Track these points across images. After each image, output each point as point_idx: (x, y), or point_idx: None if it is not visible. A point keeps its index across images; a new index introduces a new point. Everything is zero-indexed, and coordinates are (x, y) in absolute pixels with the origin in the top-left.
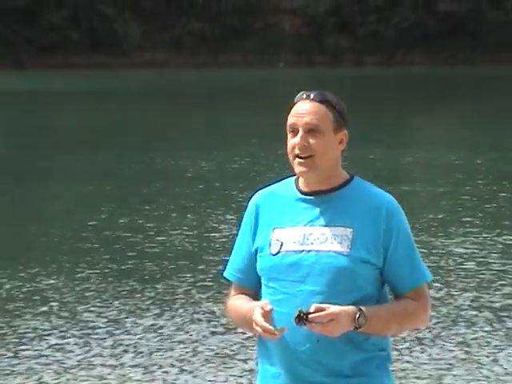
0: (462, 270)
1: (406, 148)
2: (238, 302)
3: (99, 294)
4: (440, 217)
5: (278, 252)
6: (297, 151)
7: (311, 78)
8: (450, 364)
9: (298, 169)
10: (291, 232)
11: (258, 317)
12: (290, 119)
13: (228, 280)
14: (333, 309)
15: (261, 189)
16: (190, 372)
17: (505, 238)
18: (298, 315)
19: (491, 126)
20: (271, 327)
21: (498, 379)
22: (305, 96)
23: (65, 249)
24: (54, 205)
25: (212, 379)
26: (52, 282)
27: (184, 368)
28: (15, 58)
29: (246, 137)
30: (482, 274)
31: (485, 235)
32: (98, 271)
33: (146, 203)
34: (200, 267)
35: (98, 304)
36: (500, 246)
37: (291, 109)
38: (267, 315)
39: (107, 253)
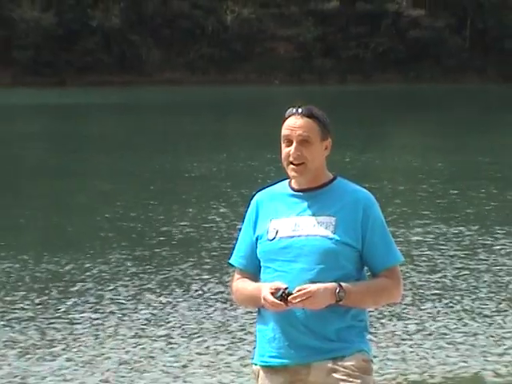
0: (419, 255)
1: (375, 152)
2: (243, 284)
3: (116, 275)
4: (401, 210)
5: (274, 238)
6: (291, 159)
7: (301, 94)
8: (409, 335)
9: (291, 173)
10: (285, 221)
11: (267, 294)
12: (285, 131)
13: (232, 266)
14: (311, 287)
15: (261, 189)
16: (198, 343)
17: (455, 228)
18: (281, 295)
19: (449, 134)
20: (279, 302)
21: (444, 347)
22: (295, 111)
23: (86, 236)
24: (80, 198)
25: (218, 348)
26: (74, 265)
27: (194, 338)
28: (58, 77)
29: (244, 142)
30: (435, 258)
31: (438, 226)
32: (115, 255)
33: (154, 199)
34: (200, 252)
35: (117, 283)
36: (451, 235)
37: (283, 122)
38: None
39: (122, 240)
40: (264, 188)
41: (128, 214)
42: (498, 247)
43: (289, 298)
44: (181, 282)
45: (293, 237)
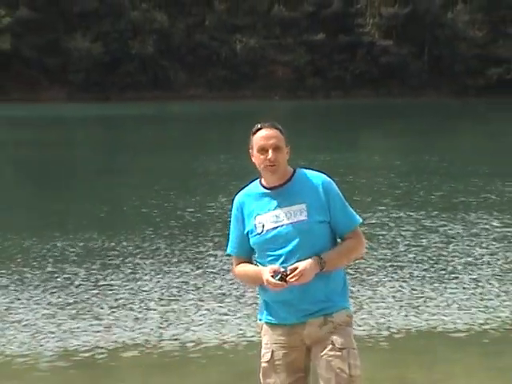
0: (382, 236)
1: (351, 152)
2: (244, 268)
3: (144, 250)
4: (366, 197)
5: (262, 231)
6: (267, 163)
7: (296, 107)
8: (370, 298)
9: (268, 174)
10: (267, 216)
11: (269, 278)
12: (260, 142)
13: (230, 255)
14: (301, 266)
15: (238, 192)
16: (208, 309)
17: (408, 212)
18: (281, 277)
19: (409, 138)
20: (280, 282)
21: (397, 306)
22: (260, 126)
23: (123, 220)
24: (119, 191)
25: (227, 313)
26: (111, 242)
27: (203, 301)
28: (104, 94)
29: (242, 148)
30: (391, 236)
31: (395, 211)
32: (143, 234)
33: (170, 190)
34: (200, 232)
35: (145, 256)
36: (404, 218)
37: (253, 135)
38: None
39: (149, 222)
40: (241, 190)
41: (153, 202)
42: (441, 228)
43: (287, 279)
44: (192, 256)
45: (277, 227)
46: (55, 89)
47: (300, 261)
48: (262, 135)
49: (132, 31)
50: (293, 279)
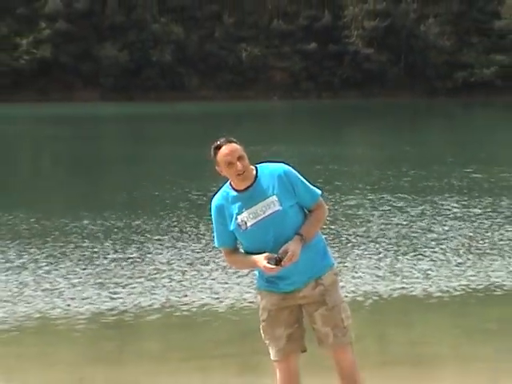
0: (359, 215)
1: (338, 145)
2: (238, 258)
3: (158, 227)
4: (345, 182)
5: (246, 228)
6: (238, 172)
7: (292, 106)
8: (352, 269)
9: (240, 181)
10: (246, 214)
11: (266, 264)
12: (226, 158)
13: (218, 248)
14: (290, 248)
15: (213, 196)
16: (214, 278)
17: (380, 195)
18: (276, 262)
19: (387, 132)
20: (276, 267)
21: (372, 272)
22: (222, 141)
23: (143, 202)
24: (142, 177)
25: (229, 281)
26: (129, 220)
27: (210, 275)
28: (129, 95)
29: (246, 140)
30: (365, 215)
31: (368, 194)
32: (159, 214)
33: (182, 176)
34: (206, 212)
35: (161, 231)
36: (377, 201)
37: (215, 155)
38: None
39: (157, 204)
40: (215, 194)
41: (167, 186)
42: (409, 209)
43: (282, 263)
44: (200, 233)
45: (258, 221)
46: (88, 90)
47: (285, 243)
48: (226, 152)
49: (153, 41)
50: (287, 262)
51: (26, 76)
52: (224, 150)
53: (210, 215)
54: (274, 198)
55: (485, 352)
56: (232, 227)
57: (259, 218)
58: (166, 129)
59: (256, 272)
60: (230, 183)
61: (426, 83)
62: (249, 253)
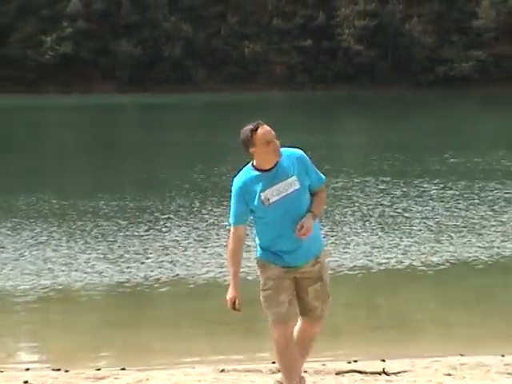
0: (344, 197)
1: (330, 133)
2: (236, 257)
3: (171, 205)
4: (337, 166)
5: (269, 204)
6: (276, 149)
7: (290, 97)
8: (343, 244)
9: (274, 159)
10: (270, 191)
11: (228, 298)
12: (265, 137)
13: (233, 225)
14: (305, 223)
15: (234, 177)
16: (217, 253)
17: (369, 178)
18: (232, 307)
19: (375, 121)
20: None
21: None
22: (257, 124)
23: (158, 183)
24: (156, 161)
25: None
26: (140, 201)
27: (211, 251)
28: (143, 87)
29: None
30: (356, 196)
31: (358, 177)
32: (171, 195)
33: (191, 160)
34: (210, 194)
35: (169, 211)
36: (367, 183)
37: (252, 136)
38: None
39: (165, 185)
40: (236, 175)
41: (176, 169)
42: (392, 190)
43: (302, 237)
44: (204, 212)
45: (280, 198)
46: (106, 83)
47: (299, 219)
48: (265, 132)
49: (164, 38)
50: (306, 235)
51: (50, 70)
52: (262, 130)
53: (230, 195)
54: (295, 177)
55: (462, 318)
56: (255, 203)
57: (282, 194)
58: (176, 117)
59: (258, 246)
60: (253, 164)
61: (410, 77)
62: (265, 228)
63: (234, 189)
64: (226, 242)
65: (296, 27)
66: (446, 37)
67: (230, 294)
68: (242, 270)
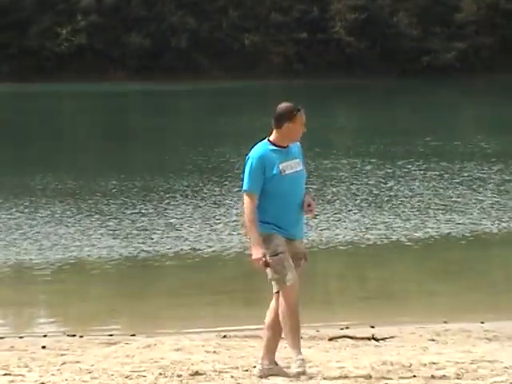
0: (332, 177)
1: (324, 118)
2: (254, 221)
3: (181, 185)
4: (325, 150)
5: (285, 173)
6: (303, 131)
7: (288, 86)
8: (334, 221)
9: (295, 140)
10: (285, 164)
11: (259, 256)
12: (303, 119)
13: (249, 192)
14: (311, 202)
15: (252, 148)
16: (218, 230)
17: (357, 160)
18: (265, 264)
19: (364, 107)
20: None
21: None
22: (299, 107)
23: (170, 165)
24: (162, 143)
25: (230, 232)
26: (159, 182)
27: (213, 227)
28: (151, 76)
29: (248, 113)
30: (344, 181)
31: (345, 159)
32: (183, 175)
33: (196, 144)
34: (207, 174)
35: (177, 190)
36: (355, 165)
37: (297, 113)
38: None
39: (172, 167)
40: (253, 147)
41: (183, 149)
42: (376, 171)
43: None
44: (209, 191)
45: (292, 172)
46: (117, 72)
47: (300, 196)
48: (303, 115)
49: (171, 31)
50: (312, 212)
51: (66, 59)
52: (302, 112)
53: (245, 165)
54: (298, 160)
55: (445, 289)
56: (274, 172)
57: (292, 170)
58: (182, 103)
59: (260, 222)
60: (269, 140)
61: (397, 66)
62: (274, 201)
63: (253, 159)
64: (226, 219)
65: (292, 20)
66: (430, 29)
67: (258, 253)
68: (239, 245)
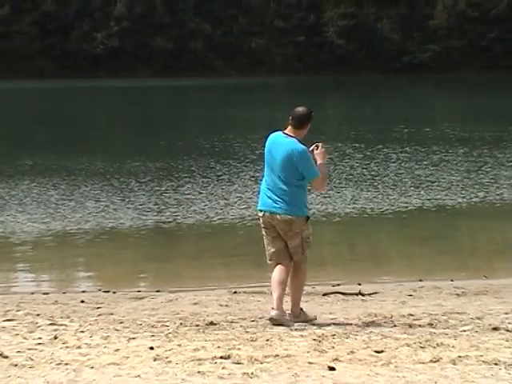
0: (331, 162)
1: (322, 110)
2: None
3: (191, 167)
4: (316, 134)
5: None
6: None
7: (288, 81)
8: (335, 198)
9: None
10: None
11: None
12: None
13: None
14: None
15: (271, 133)
16: (229, 204)
17: (345, 147)
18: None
19: (353, 101)
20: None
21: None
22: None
23: (184, 151)
24: (182, 132)
25: (240, 206)
26: (177, 164)
27: (225, 201)
28: (175, 73)
29: (255, 105)
30: (336, 166)
31: (329, 146)
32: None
33: (211, 132)
34: (219, 158)
35: (194, 170)
36: (339, 150)
37: (310, 116)
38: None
39: (189, 152)
40: (271, 132)
41: (197, 136)
42: (358, 154)
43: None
44: (225, 170)
45: None
46: (144, 70)
47: None
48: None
49: (190, 35)
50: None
51: (101, 60)
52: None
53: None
54: None
55: (421, 252)
56: None
57: None
58: (198, 95)
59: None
60: (284, 132)
61: (381, 65)
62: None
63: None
64: (236, 194)
65: (292, 26)
66: (408, 33)
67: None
68: (248, 216)
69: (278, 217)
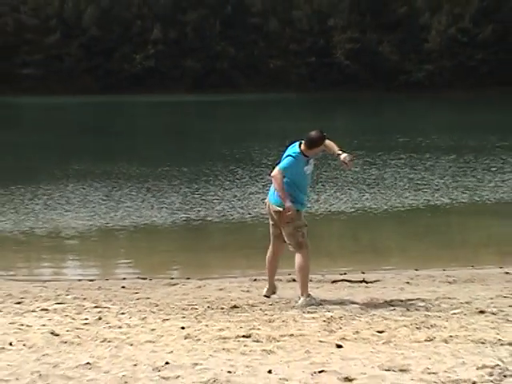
0: (330, 166)
1: (317, 122)
2: (286, 194)
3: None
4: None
5: (308, 173)
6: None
7: (302, 97)
8: (337, 197)
9: (315, 155)
10: (307, 167)
11: (290, 206)
12: (322, 146)
13: (283, 170)
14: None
15: (294, 143)
16: (246, 203)
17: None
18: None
19: (356, 115)
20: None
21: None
22: (325, 134)
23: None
24: (205, 141)
25: (255, 206)
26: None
27: (244, 201)
28: (202, 89)
29: (268, 118)
30: (339, 171)
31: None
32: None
33: (227, 141)
34: (230, 163)
35: (207, 172)
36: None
37: (323, 140)
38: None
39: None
40: (294, 142)
41: (215, 142)
42: (357, 160)
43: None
44: (235, 175)
45: (309, 173)
46: (177, 87)
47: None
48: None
49: (216, 57)
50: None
51: (139, 78)
52: (325, 141)
53: (282, 155)
54: (312, 161)
55: (417, 245)
56: (301, 169)
57: (309, 171)
58: (223, 109)
59: (297, 202)
60: (300, 149)
61: (382, 83)
62: (299, 188)
63: (294, 154)
64: (255, 195)
65: (305, 49)
66: (406, 55)
67: (291, 206)
68: (263, 214)
69: (271, 206)
